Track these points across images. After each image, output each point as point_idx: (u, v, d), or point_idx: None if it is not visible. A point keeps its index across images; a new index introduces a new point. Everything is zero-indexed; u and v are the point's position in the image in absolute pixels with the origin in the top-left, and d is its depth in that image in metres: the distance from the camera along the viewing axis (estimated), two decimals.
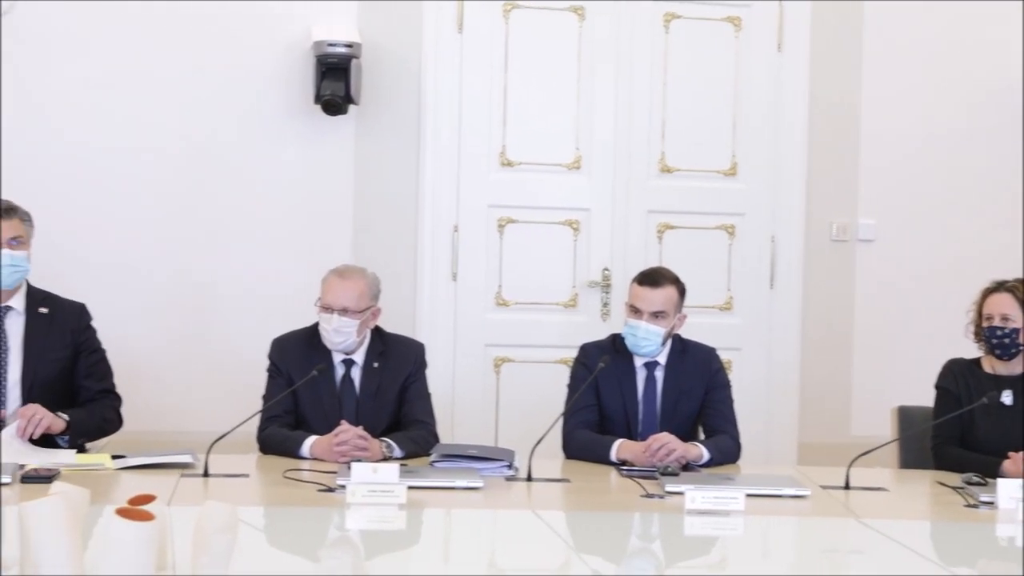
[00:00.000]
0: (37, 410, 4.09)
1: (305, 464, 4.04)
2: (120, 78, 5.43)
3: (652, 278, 4.39)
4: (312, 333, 4.41)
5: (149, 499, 2.62)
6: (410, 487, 3.58)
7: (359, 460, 3.86)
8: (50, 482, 3.61)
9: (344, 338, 4.32)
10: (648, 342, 4.34)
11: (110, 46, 5.42)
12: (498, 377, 5.78)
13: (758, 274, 5.93)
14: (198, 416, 5.25)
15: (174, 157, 5.49)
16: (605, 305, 5.79)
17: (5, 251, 4.22)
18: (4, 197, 4.39)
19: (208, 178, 5.50)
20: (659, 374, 4.42)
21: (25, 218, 4.31)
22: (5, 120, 5.34)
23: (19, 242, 4.25)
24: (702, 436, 4.45)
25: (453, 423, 5.46)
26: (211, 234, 5.52)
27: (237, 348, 5.40)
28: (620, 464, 4.14)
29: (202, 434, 4.13)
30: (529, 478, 3.89)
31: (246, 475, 3.90)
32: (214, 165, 5.51)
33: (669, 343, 4.43)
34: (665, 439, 4.08)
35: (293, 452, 4.14)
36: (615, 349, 4.42)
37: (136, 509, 2.48)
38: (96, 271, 5.34)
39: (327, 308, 4.32)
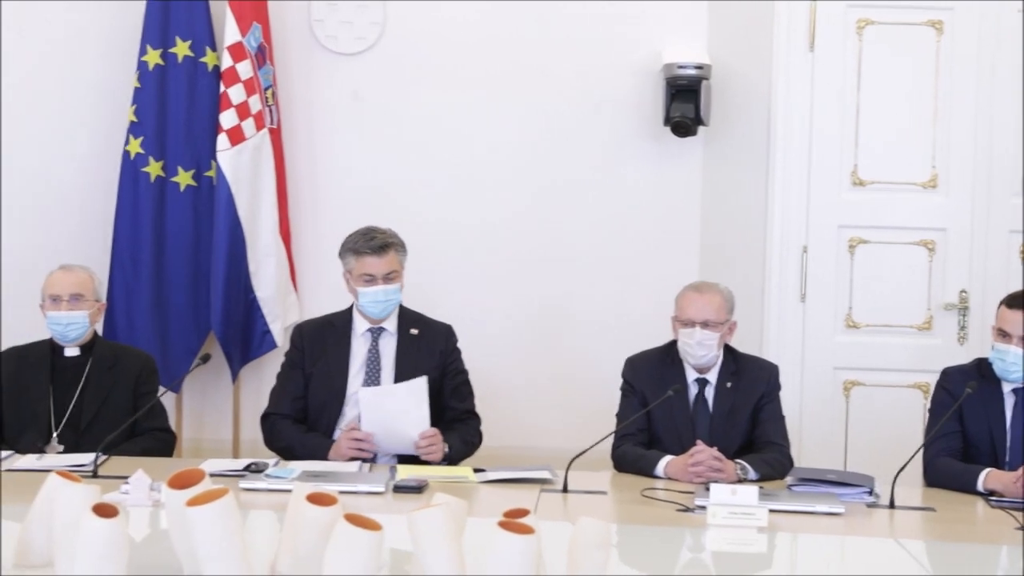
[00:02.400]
0: (439, 438, 4.29)
1: (660, 483, 4.07)
2: (476, 104, 5.59)
3: (1022, 301, 4.20)
4: (665, 352, 4.44)
5: (524, 513, 2.69)
6: (770, 510, 3.56)
7: (713, 481, 3.85)
8: (419, 492, 3.79)
9: (707, 351, 4.32)
10: (1019, 368, 4.15)
11: (466, 75, 5.59)
12: (847, 400, 5.64)
13: None
14: (552, 433, 5.35)
15: (528, 178, 5.61)
16: (962, 328, 5.56)
17: (380, 287, 4.44)
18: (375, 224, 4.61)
19: (560, 200, 5.60)
20: None
21: (400, 250, 4.51)
22: (369, 149, 5.61)
23: (394, 276, 4.47)
24: None
25: (801, 446, 5.36)
26: (563, 256, 5.60)
27: (590, 366, 5.46)
28: (988, 494, 3.98)
29: (556, 450, 4.23)
30: (892, 505, 3.80)
31: (604, 492, 3.98)
32: (566, 187, 5.60)
33: None
34: None
35: (647, 471, 4.17)
36: (981, 374, 4.25)
37: (516, 522, 2.55)
38: (457, 293, 5.50)
39: (688, 323, 4.33)
